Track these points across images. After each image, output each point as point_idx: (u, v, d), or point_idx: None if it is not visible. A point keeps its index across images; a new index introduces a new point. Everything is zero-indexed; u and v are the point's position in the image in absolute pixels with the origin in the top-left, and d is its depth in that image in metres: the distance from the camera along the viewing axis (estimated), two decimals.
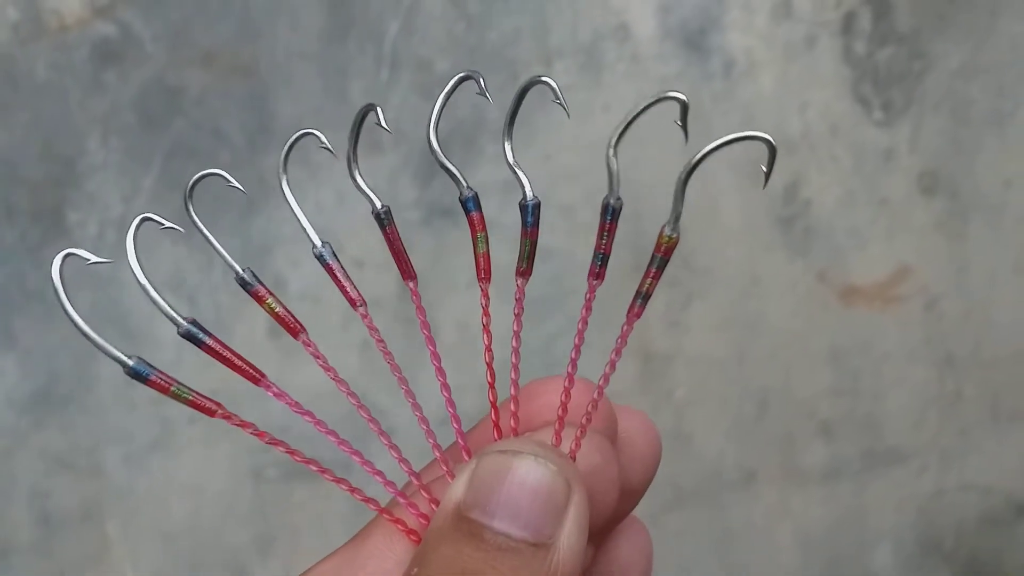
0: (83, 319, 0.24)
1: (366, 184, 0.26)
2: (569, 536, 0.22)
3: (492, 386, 0.25)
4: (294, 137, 0.26)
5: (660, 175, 0.68)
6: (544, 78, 0.24)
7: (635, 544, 0.30)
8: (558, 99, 0.24)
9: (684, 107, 0.24)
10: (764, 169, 0.24)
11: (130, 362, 0.24)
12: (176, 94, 0.64)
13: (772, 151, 0.24)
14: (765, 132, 0.23)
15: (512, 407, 0.25)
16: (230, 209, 0.64)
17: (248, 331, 0.63)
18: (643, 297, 0.25)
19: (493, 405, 0.25)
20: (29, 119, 0.63)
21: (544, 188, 0.67)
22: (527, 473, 0.22)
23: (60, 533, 0.65)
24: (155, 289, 0.24)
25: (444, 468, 0.25)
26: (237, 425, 0.24)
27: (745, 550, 0.73)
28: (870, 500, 0.74)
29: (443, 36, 0.67)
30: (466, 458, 0.25)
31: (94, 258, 0.24)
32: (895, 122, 0.72)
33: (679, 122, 0.24)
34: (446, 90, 0.25)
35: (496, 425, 0.25)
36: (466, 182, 0.26)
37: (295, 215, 0.26)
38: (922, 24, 0.71)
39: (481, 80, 0.24)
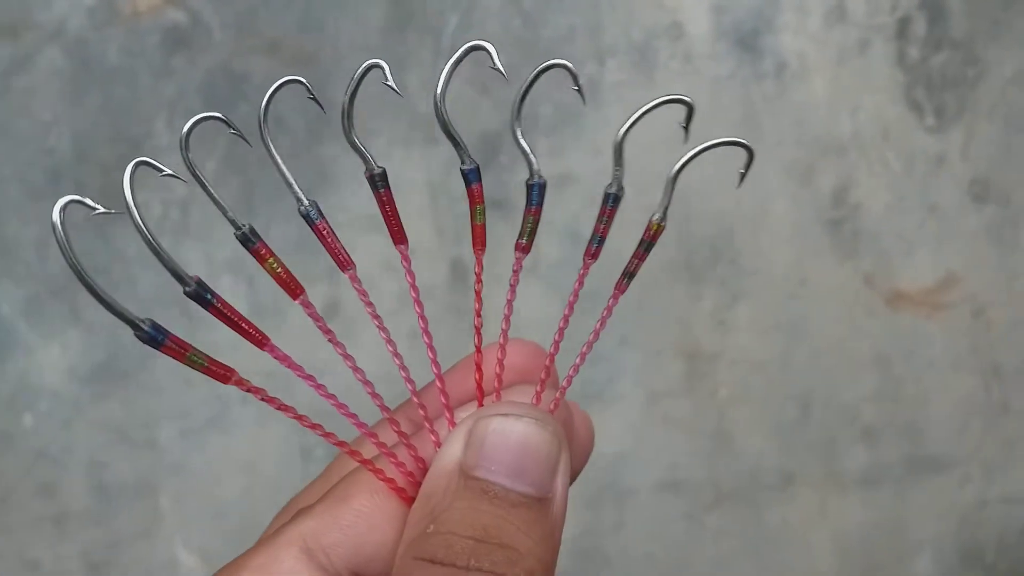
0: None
1: (362, 144, 0.26)
2: (563, 488, 0.25)
3: (479, 349, 0.27)
4: (360, 70, 0.25)
5: (707, 180, 0.69)
6: (562, 61, 0.25)
7: None
8: (576, 86, 0.25)
9: (690, 110, 0.26)
10: (741, 171, 0.26)
11: (144, 326, 0.23)
12: (241, 80, 0.66)
13: (750, 156, 0.26)
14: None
15: (497, 370, 0.27)
16: (287, 195, 0.66)
17: (302, 313, 0.65)
18: (628, 276, 0.27)
19: (478, 366, 0.27)
20: (101, 102, 0.65)
21: (593, 183, 0.68)
22: (530, 435, 0.24)
23: (115, 503, 0.67)
24: (159, 244, 0.24)
25: (428, 426, 0.26)
26: (247, 391, 0.24)
27: (782, 552, 0.73)
28: (910, 508, 0.74)
29: (499, 31, 0.68)
30: (447, 414, 0.27)
31: (100, 208, 0.23)
32: (947, 128, 0.72)
33: (683, 124, 0.26)
34: (455, 57, 0.25)
35: (479, 385, 0.27)
36: (470, 155, 0.27)
37: (278, 168, 0.26)
38: (977, 30, 0.71)
39: (494, 53, 0.25)
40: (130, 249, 0.65)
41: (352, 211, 0.67)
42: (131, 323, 0.23)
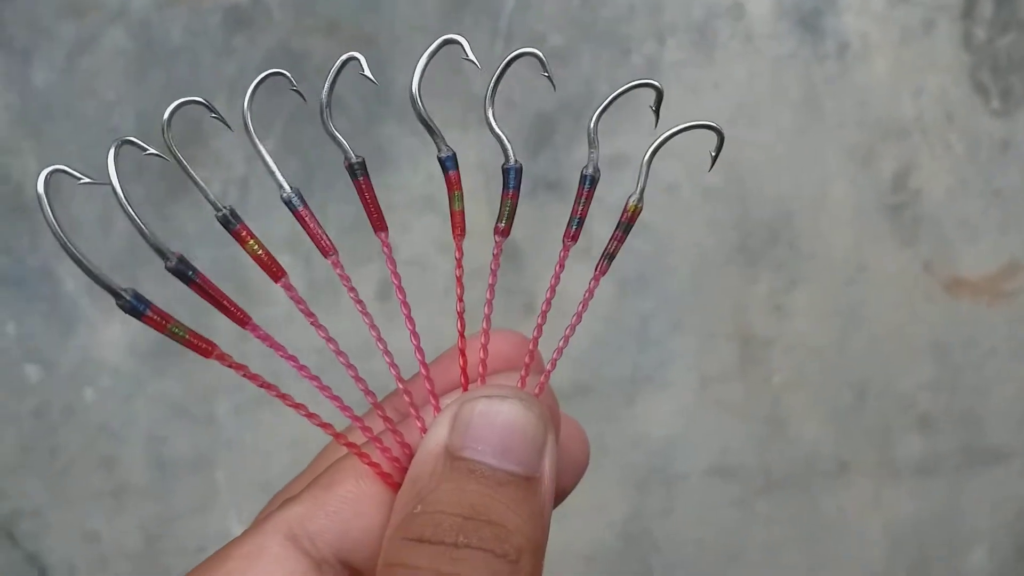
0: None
1: (339, 133, 0.26)
2: (550, 469, 0.25)
3: (462, 335, 0.27)
4: (338, 63, 0.26)
5: (766, 162, 0.68)
6: (532, 50, 0.26)
7: None
8: (546, 73, 0.26)
9: (659, 94, 0.26)
10: (712, 153, 0.27)
11: (126, 295, 0.23)
12: (300, 60, 0.66)
13: (720, 139, 0.26)
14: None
15: (481, 355, 0.27)
16: (344, 176, 0.66)
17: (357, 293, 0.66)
18: (609, 257, 0.27)
19: (462, 352, 0.27)
20: (164, 81, 0.66)
21: None
22: (516, 416, 0.24)
23: (173, 477, 0.68)
24: (140, 219, 0.24)
25: (414, 412, 0.26)
26: (228, 366, 0.24)
27: (834, 540, 0.72)
28: (966, 499, 0.72)
29: (557, 11, 0.67)
30: (432, 400, 0.27)
31: (86, 179, 0.23)
32: (1014, 112, 0.70)
33: (652, 107, 0.26)
34: (429, 51, 0.26)
35: (464, 371, 0.27)
36: (446, 143, 0.27)
37: (260, 156, 0.26)
38: None
39: (466, 46, 0.25)
40: (189, 227, 0.66)
41: (409, 191, 0.67)
42: (113, 292, 0.23)
